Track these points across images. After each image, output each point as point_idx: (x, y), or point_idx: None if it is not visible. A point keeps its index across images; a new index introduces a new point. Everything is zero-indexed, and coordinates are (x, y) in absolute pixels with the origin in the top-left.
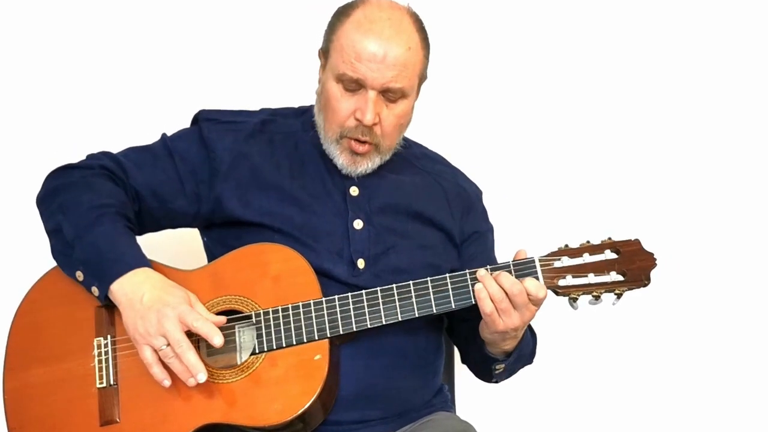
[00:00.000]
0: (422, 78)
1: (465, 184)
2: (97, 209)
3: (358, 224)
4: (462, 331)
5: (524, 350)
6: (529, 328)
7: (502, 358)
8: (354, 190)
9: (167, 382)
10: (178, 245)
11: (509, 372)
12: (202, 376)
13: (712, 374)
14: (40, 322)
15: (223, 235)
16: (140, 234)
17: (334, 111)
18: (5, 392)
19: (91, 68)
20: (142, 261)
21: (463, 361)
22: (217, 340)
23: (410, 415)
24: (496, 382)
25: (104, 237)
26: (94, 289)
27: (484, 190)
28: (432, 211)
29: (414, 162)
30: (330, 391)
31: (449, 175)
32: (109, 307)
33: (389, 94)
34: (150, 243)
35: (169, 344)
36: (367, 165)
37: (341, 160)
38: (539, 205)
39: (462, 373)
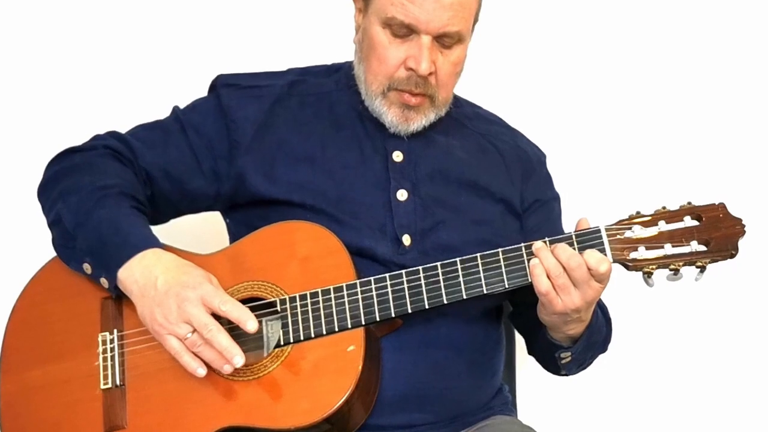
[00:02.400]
0: (476, 20)
1: (526, 147)
2: (99, 191)
3: (402, 195)
4: (529, 318)
5: (595, 337)
6: (602, 311)
7: (568, 345)
8: (397, 155)
9: (202, 371)
10: (196, 229)
11: (578, 362)
12: (239, 359)
13: None
14: (38, 318)
15: (247, 216)
16: (157, 222)
17: (380, 60)
18: (0, 397)
19: (92, 40)
20: (149, 241)
21: (530, 351)
22: (250, 324)
23: (465, 420)
24: (566, 374)
25: (107, 220)
26: (103, 281)
27: (546, 156)
28: (488, 179)
29: (466, 123)
30: (367, 388)
31: (507, 136)
32: (115, 298)
33: (445, 39)
34: (163, 227)
35: (194, 331)
36: (421, 120)
37: (390, 116)
38: (608, 170)
39: (524, 371)
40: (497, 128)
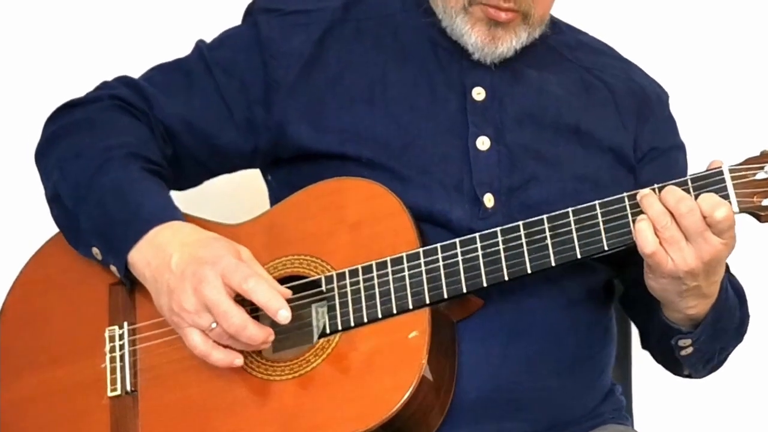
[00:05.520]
0: None
1: (643, 81)
2: (102, 154)
3: (482, 143)
4: (643, 299)
5: (724, 322)
6: (734, 288)
7: (687, 330)
8: (478, 93)
9: (239, 361)
10: (231, 190)
11: (704, 357)
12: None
13: None
14: (35, 313)
15: (291, 174)
16: (185, 187)
17: None
18: None
19: None
20: (165, 212)
21: (644, 344)
22: (282, 314)
23: (568, 429)
24: (690, 375)
25: (111, 191)
26: (113, 269)
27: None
28: (593, 123)
29: (565, 53)
30: (438, 387)
31: (618, 69)
32: (126, 283)
33: None
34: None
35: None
36: (511, 41)
37: (474, 36)
38: (739, 107)
39: (641, 367)
40: (606, 60)
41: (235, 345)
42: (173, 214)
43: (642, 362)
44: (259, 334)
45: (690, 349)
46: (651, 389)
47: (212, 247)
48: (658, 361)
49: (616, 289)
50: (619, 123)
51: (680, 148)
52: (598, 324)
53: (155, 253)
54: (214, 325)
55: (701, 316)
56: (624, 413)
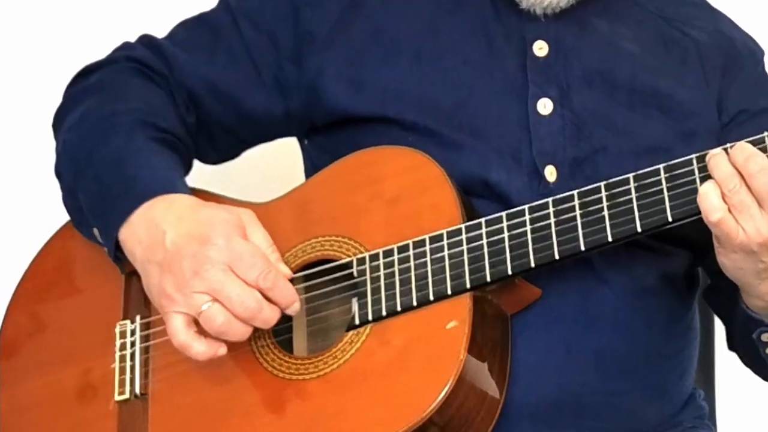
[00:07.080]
0: None
1: (733, 34)
2: (105, 121)
3: (544, 107)
4: (727, 289)
5: None
6: None
7: None
8: (540, 48)
9: (223, 350)
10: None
11: None
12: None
13: None
14: (44, 308)
15: (329, 139)
16: (217, 161)
17: None
18: None
19: None
20: (162, 185)
21: (730, 345)
22: (296, 306)
23: None
24: None
25: (110, 163)
26: (105, 250)
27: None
28: (672, 85)
29: (644, 3)
30: (483, 386)
31: (704, 20)
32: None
33: None
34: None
35: (216, 300)
36: None
37: None
38: None
39: (726, 370)
40: (691, 10)
41: (227, 334)
42: (173, 186)
43: (727, 364)
44: (275, 315)
45: None
46: (737, 395)
47: (215, 224)
48: (745, 363)
49: (701, 281)
50: (702, 81)
51: None
52: (679, 319)
53: (147, 230)
54: (205, 306)
55: None
56: (706, 422)
